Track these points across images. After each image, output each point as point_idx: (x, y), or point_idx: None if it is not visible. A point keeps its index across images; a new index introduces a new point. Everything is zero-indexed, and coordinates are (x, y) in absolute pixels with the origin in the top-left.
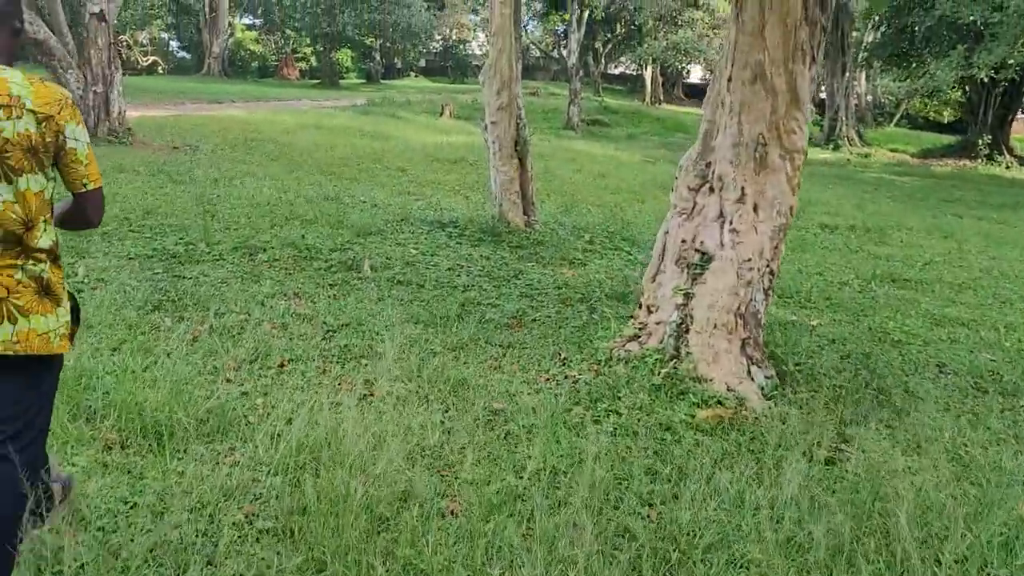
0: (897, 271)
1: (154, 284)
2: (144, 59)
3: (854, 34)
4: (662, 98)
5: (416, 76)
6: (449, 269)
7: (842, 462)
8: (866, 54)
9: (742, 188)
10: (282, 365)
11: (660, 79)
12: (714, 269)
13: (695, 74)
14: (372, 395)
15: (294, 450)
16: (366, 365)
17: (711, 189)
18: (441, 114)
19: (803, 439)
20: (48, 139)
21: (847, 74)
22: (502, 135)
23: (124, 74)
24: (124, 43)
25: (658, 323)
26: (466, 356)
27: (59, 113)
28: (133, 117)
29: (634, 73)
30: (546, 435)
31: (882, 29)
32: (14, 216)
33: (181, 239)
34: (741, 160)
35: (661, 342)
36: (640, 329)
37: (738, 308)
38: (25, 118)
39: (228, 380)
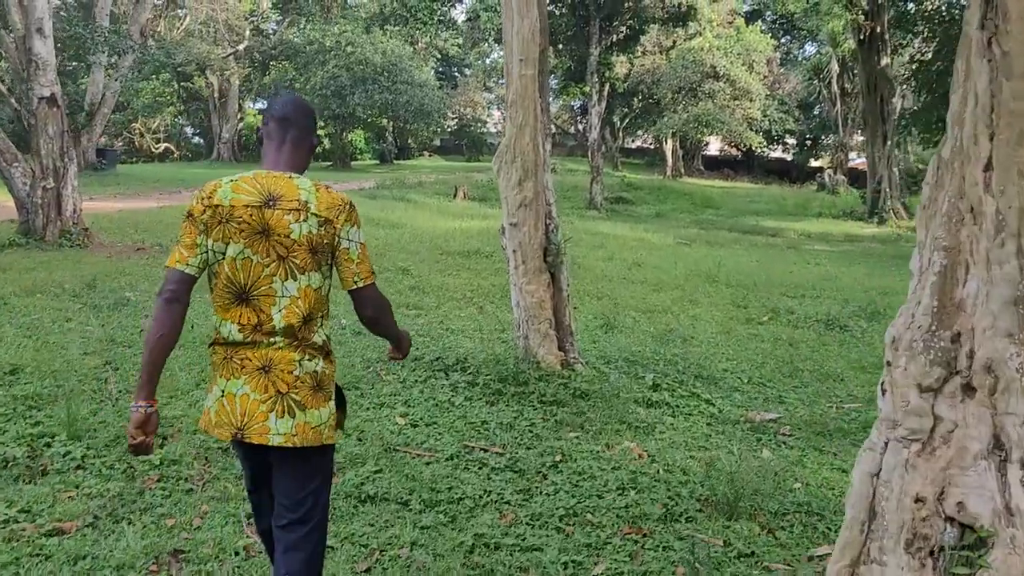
0: None
1: None
2: (156, 146)
3: (893, 101)
4: (683, 171)
5: (431, 156)
6: (451, 459)
7: None
8: (904, 121)
9: None
10: None
11: (680, 152)
12: (998, 566)
13: (713, 146)
14: None
15: None
16: None
17: (968, 389)
18: (455, 196)
19: None
20: (326, 240)
21: (888, 143)
22: (525, 241)
23: (136, 161)
24: (137, 131)
25: None
26: None
27: (337, 218)
28: (118, 210)
29: (651, 147)
30: None
31: (923, 96)
32: (297, 310)
33: (34, 427)
34: None
35: None
36: None
37: None
38: (309, 220)
39: None
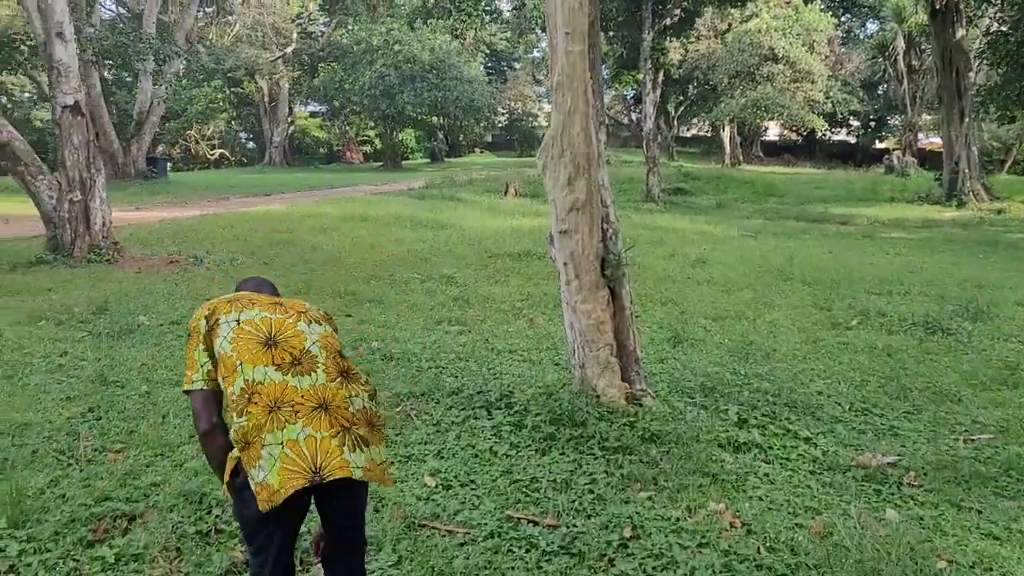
0: None
1: None
2: (211, 152)
3: (970, 75)
4: (741, 158)
5: (482, 152)
6: (491, 536)
7: None
8: (980, 97)
9: None
10: None
11: (737, 139)
12: None
13: (772, 131)
14: None
15: None
16: None
17: None
18: (505, 193)
19: None
20: (332, 332)
21: (966, 120)
22: (579, 252)
23: (192, 168)
24: (192, 138)
25: None
26: None
27: (331, 321)
28: (159, 220)
29: (707, 134)
30: None
31: (1000, 69)
32: (330, 345)
33: None
34: None
35: None
36: None
37: None
38: (314, 314)
39: None
